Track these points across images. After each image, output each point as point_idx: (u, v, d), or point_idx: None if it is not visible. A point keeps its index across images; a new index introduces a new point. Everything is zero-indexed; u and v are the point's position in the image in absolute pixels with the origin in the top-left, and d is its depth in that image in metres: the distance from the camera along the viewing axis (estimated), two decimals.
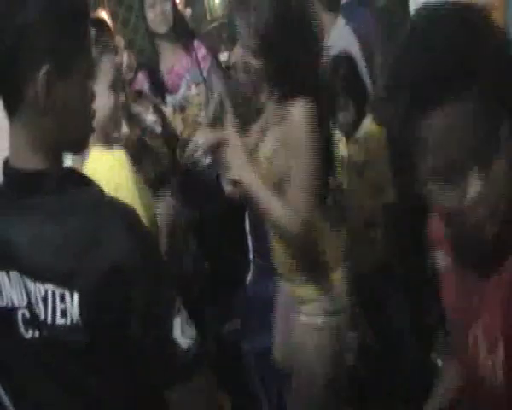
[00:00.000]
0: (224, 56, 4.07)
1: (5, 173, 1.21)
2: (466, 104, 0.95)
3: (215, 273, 2.81)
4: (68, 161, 1.73)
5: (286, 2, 1.92)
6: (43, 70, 1.10)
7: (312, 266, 2.07)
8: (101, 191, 1.20)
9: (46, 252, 1.13)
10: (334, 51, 2.68)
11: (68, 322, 1.12)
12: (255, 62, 1.97)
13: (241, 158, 1.99)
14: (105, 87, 1.98)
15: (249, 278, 2.65)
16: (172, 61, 3.35)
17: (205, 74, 3.33)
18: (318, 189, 1.95)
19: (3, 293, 1.20)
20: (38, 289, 1.14)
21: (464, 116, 0.96)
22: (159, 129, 2.92)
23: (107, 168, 1.91)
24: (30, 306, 1.16)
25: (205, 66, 3.35)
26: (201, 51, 3.39)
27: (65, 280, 1.11)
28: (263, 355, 2.36)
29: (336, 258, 2.11)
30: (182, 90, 3.31)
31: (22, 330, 1.18)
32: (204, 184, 2.98)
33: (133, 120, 2.74)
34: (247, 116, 2.84)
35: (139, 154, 2.56)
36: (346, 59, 2.83)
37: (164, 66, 3.35)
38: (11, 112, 1.16)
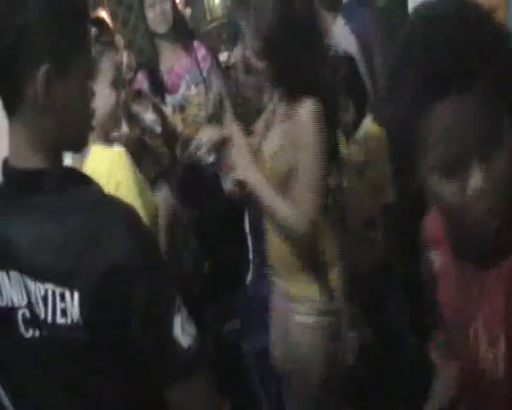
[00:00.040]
0: (223, 56, 4.07)
1: (5, 173, 1.21)
2: (467, 100, 0.96)
3: (215, 273, 2.81)
4: (68, 159, 1.73)
5: (289, 3, 1.92)
6: (43, 69, 1.10)
7: (312, 266, 2.07)
8: (100, 190, 1.20)
9: (46, 251, 1.13)
10: (333, 51, 2.68)
11: (68, 321, 1.12)
12: (259, 64, 1.97)
13: (245, 158, 1.99)
14: (106, 85, 1.98)
15: (249, 278, 2.64)
16: (172, 61, 3.35)
17: (204, 74, 3.34)
18: (325, 189, 1.95)
19: (3, 293, 1.20)
20: (38, 288, 1.14)
21: (465, 111, 0.96)
22: (158, 128, 2.92)
23: (108, 166, 1.91)
24: (30, 305, 1.16)
25: (204, 66, 3.36)
26: (201, 51, 3.39)
27: (65, 279, 1.11)
28: (262, 355, 2.36)
29: (333, 258, 2.11)
30: (181, 91, 3.32)
31: (22, 329, 1.18)
32: (204, 183, 2.98)
33: (133, 119, 2.74)
34: (246, 116, 2.84)
35: (139, 153, 2.56)
36: (346, 59, 2.83)
37: (163, 66, 3.35)
38: (11, 112, 1.16)
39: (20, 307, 1.18)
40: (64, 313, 1.12)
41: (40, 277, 1.14)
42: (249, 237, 2.59)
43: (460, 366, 1.28)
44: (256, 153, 2.05)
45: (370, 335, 2.35)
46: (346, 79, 2.74)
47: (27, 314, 1.17)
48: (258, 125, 2.17)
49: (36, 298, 1.15)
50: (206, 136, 2.08)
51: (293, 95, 1.94)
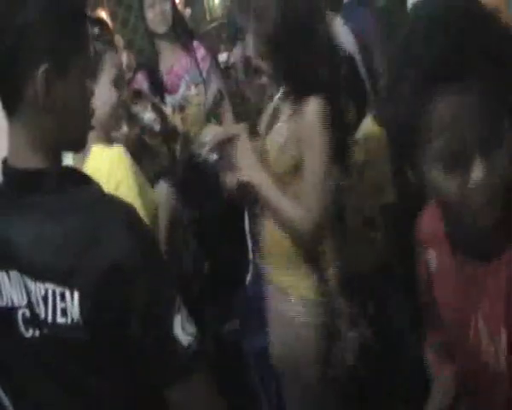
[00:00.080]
0: (223, 57, 4.08)
1: (4, 173, 1.21)
2: (469, 92, 0.97)
3: (215, 273, 2.81)
4: (69, 159, 1.73)
5: (293, 4, 1.92)
6: (42, 69, 1.10)
7: (312, 260, 2.07)
8: (100, 190, 1.20)
9: (46, 251, 1.13)
10: (341, 50, 2.68)
11: (69, 321, 1.12)
12: (263, 65, 1.97)
13: (250, 159, 2.00)
14: (107, 85, 1.98)
15: (248, 278, 2.64)
16: (172, 61, 3.35)
17: (204, 75, 3.34)
18: (331, 189, 1.95)
19: (3, 293, 1.20)
20: (39, 288, 1.14)
21: (468, 104, 0.97)
22: (157, 127, 2.92)
23: (108, 166, 1.91)
24: (30, 305, 1.16)
25: (204, 66, 3.36)
26: (201, 52, 3.39)
27: (65, 279, 1.11)
28: (262, 355, 2.36)
29: (329, 257, 2.11)
30: (181, 91, 3.32)
31: (22, 329, 1.18)
32: (204, 183, 2.98)
33: (132, 119, 2.74)
34: (245, 115, 2.85)
35: (139, 153, 2.56)
36: (345, 59, 2.83)
37: (163, 66, 3.35)
38: (10, 112, 1.17)
39: (20, 307, 1.18)
40: (64, 312, 1.12)
41: (40, 276, 1.14)
42: (248, 237, 2.59)
43: (455, 369, 1.27)
44: (260, 152, 2.05)
45: (370, 335, 2.35)
46: (346, 79, 2.74)
47: (27, 314, 1.17)
48: (261, 125, 2.17)
49: (36, 298, 1.15)
50: (210, 134, 2.08)
51: (298, 94, 1.94)
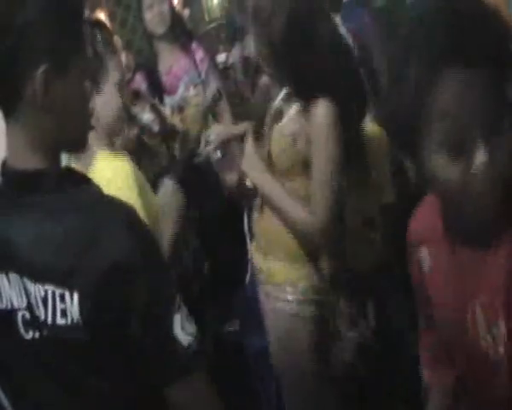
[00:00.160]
0: (222, 57, 4.08)
1: (3, 174, 1.21)
2: (472, 78, 0.98)
3: (215, 273, 2.81)
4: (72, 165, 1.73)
5: (298, 9, 1.92)
6: (42, 69, 1.09)
7: (311, 261, 2.07)
8: (100, 191, 1.20)
9: (46, 251, 1.13)
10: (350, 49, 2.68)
11: (69, 322, 1.12)
12: (267, 68, 1.98)
13: (255, 160, 2.00)
14: (112, 90, 1.98)
15: (248, 277, 2.64)
16: (171, 62, 3.35)
17: (203, 76, 3.34)
18: (340, 192, 1.96)
19: (3, 295, 1.19)
20: (38, 289, 1.14)
21: (471, 89, 0.98)
22: (156, 127, 2.93)
23: (110, 174, 1.89)
24: (30, 307, 1.16)
25: (203, 67, 3.36)
26: (199, 53, 3.39)
27: (65, 280, 1.11)
28: (262, 355, 2.36)
29: (329, 257, 2.11)
30: (180, 91, 3.32)
31: (22, 331, 1.18)
32: (204, 183, 2.98)
33: (131, 120, 2.74)
34: (244, 116, 2.85)
35: (138, 153, 2.56)
36: (353, 57, 2.83)
37: (162, 66, 3.35)
38: (8, 113, 1.16)
39: (19, 309, 1.18)
40: (64, 313, 1.12)
41: (40, 278, 1.13)
42: (248, 237, 2.59)
43: (451, 371, 1.27)
44: (264, 153, 2.05)
45: (370, 335, 2.35)
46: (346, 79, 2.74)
47: (27, 316, 1.17)
48: (266, 126, 2.17)
49: (36, 299, 1.14)
50: (214, 133, 2.08)
51: (304, 96, 1.94)
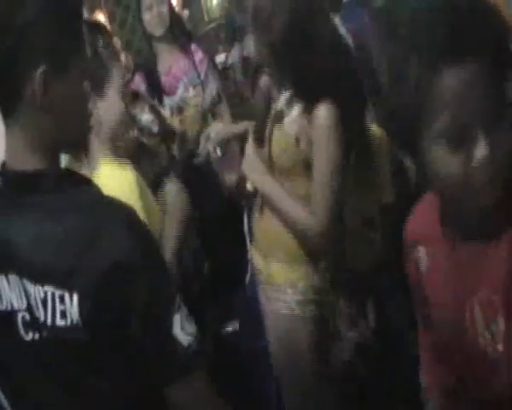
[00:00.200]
0: (221, 58, 4.08)
1: (3, 175, 1.20)
2: (473, 70, 0.98)
3: (215, 273, 2.81)
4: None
5: (298, 11, 1.92)
6: (41, 69, 1.09)
7: (311, 260, 2.07)
8: (100, 191, 1.20)
9: (46, 251, 1.13)
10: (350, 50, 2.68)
11: (68, 323, 1.12)
12: (268, 69, 1.97)
13: (258, 165, 2.01)
14: (115, 97, 1.98)
15: (248, 278, 2.64)
16: (170, 63, 3.35)
17: (202, 77, 3.34)
18: (341, 192, 1.96)
19: (3, 296, 1.19)
20: (38, 291, 1.14)
21: (472, 80, 0.99)
22: (155, 128, 2.93)
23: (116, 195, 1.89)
24: (29, 308, 1.16)
25: (202, 68, 3.36)
26: (198, 54, 3.39)
27: (64, 280, 1.11)
28: (262, 355, 2.36)
29: (328, 256, 2.11)
30: (179, 92, 3.32)
31: (22, 332, 1.18)
32: (203, 183, 2.98)
33: (131, 121, 2.74)
34: (244, 116, 2.85)
35: (137, 154, 2.56)
36: (352, 57, 2.82)
37: (161, 67, 3.35)
38: (8, 114, 1.16)
39: (19, 311, 1.18)
40: (63, 314, 1.12)
41: (39, 279, 1.13)
42: (247, 238, 2.59)
43: (454, 373, 1.27)
44: (265, 154, 2.06)
45: (370, 335, 2.35)
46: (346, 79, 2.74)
47: (27, 317, 1.17)
48: (267, 128, 2.17)
49: (35, 301, 1.15)
50: (214, 131, 2.08)
51: (306, 99, 1.94)
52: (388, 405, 2.46)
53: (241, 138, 2.27)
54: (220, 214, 3.02)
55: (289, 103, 2.03)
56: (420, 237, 1.25)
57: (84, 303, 1.10)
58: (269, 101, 2.22)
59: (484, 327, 1.11)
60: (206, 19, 5.73)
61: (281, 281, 2.09)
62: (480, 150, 1.00)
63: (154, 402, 1.19)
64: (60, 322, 1.12)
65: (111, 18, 4.96)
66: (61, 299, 1.12)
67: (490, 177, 1.01)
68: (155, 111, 2.99)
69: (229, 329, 2.95)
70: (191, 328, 1.16)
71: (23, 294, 1.16)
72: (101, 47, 1.93)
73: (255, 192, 2.12)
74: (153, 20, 3.27)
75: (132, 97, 2.99)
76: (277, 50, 1.92)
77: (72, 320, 1.11)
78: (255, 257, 2.21)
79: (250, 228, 2.50)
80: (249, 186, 2.17)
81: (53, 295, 1.12)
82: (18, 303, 1.17)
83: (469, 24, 0.99)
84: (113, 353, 1.14)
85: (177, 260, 2.26)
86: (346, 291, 2.13)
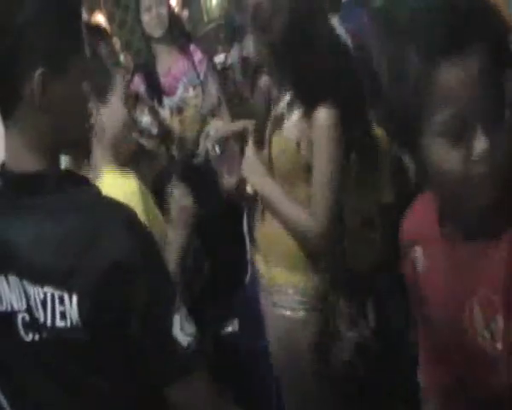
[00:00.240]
0: (220, 58, 4.08)
1: (3, 176, 1.20)
2: (472, 64, 0.98)
3: (215, 273, 2.81)
4: None
5: (298, 9, 1.92)
6: (40, 70, 1.09)
7: (312, 262, 2.07)
8: (100, 191, 1.20)
9: (46, 252, 1.13)
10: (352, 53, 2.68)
11: (68, 324, 1.12)
12: (268, 69, 1.97)
13: (258, 167, 2.01)
14: (118, 104, 1.99)
15: (247, 278, 2.64)
16: (169, 63, 3.36)
17: (202, 77, 3.34)
18: (340, 193, 1.96)
19: (3, 297, 1.19)
20: (38, 292, 1.14)
21: (471, 74, 0.99)
22: (155, 130, 2.93)
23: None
24: (29, 309, 1.16)
25: (201, 69, 3.36)
26: (197, 55, 3.40)
27: (64, 281, 1.11)
28: (262, 355, 2.36)
29: (329, 257, 2.11)
30: (179, 93, 3.32)
31: (22, 333, 1.18)
32: (203, 184, 2.98)
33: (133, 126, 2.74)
34: (243, 116, 2.84)
35: (136, 156, 2.56)
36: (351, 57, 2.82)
37: (161, 68, 3.36)
38: (7, 115, 1.16)
39: (19, 312, 1.18)
40: (63, 315, 1.12)
41: (39, 280, 1.13)
42: (247, 237, 2.59)
43: (453, 372, 1.27)
44: (265, 159, 2.06)
45: (370, 335, 2.35)
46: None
47: (27, 318, 1.17)
48: (268, 130, 2.17)
49: (35, 302, 1.15)
50: (213, 128, 2.08)
51: (307, 100, 1.94)
52: (388, 405, 2.46)
53: (241, 137, 2.27)
54: (220, 214, 3.02)
55: (290, 107, 2.03)
56: (417, 237, 1.25)
57: (83, 304, 1.10)
58: (269, 101, 2.21)
59: (483, 326, 1.10)
60: (205, 19, 5.72)
61: (281, 282, 2.09)
62: (480, 144, 1.00)
63: (154, 402, 1.19)
64: (59, 323, 1.13)
65: (110, 18, 4.96)
66: (61, 300, 1.12)
67: (489, 172, 1.01)
68: (154, 113, 2.99)
69: (229, 329, 2.95)
70: (191, 328, 1.16)
71: (23, 295, 1.16)
72: (103, 53, 1.93)
73: (255, 195, 2.12)
74: (152, 21, 3.27)
75: (133, 100, 2.99)
76: (277, 50, 1.92)
77: (71, 321, 1.12)
78: (258, 261, 2.21)
79: (250, 228, 2.50)
80: (249, 189, 2.17)
81: (52, 296, 1.12)
82: (18, 304, 1.17)
83: (468, 20, 0.99)
84: (113, 353, 1.15)
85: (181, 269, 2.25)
86: (346, 291, 2.13)
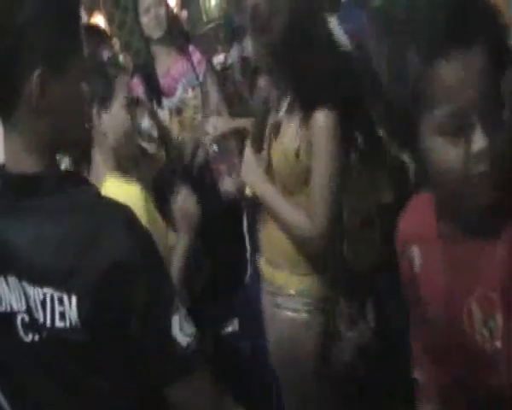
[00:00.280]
0: (220, 58, 4.08)
1: (2, 178, 1.20)
2: (471, 60, 0.99)
3: (215, 273, 2.81)
4: None
5: (298, 9, 1.92)
6: (39, 70, 1.09)
7: (313, 263, 2.07)
8: (99, 192, 1.20)
9: (45, 252, 1.13)
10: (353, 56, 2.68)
11: (67, 324, 1.12)
12: (267, 69, 1.97)
13: (256, 170, 2.01)
14: (120, 109, 1.99)
15: (247, 278, 2.64)
16: (168, 64, 3.36)
17: (201, 78, 3.34)
18: (339, 194, 1.96)
19: (2, 298, 1.20)
20: (37, 293, 1.14)
21: (470, 70, 0.99)
22: (155, 133, 2.93)
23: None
24: (29, 310, 1.16)
25: (200, 70, 3.36)
26: (196, 56, 3.40)
27: (64, 281, 1.11)
28: (261, 355, 2.36)
29: (329, 257, 2.11)
30: (178, 94, 3.32)
31: (22, 333, 1.18)
32: (203, 184, 2.98)
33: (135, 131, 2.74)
34: (243, 116, 2.84)
35: (136, 158, 2.56)
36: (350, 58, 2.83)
37: (160, 69, 3.35)
38: (5, 115, 1.16)
39: (19, 312, 1.18)
40: (63, 316, 1.12)
41: (39, 281, 1.14)
42: (247, 237, 2.59)
43: (452, 372, 1.27)
44: (265, 164, 2.06)
45: (370, 335, 2.35)
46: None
47: (26, 319, 1.17)
48: (268, 133, 2.17)
49: (35, 303, 1.15)
50: (212, 125, 2.08)
51: (306, 103, 1.94)
52: (388, 405, 2.46)
53: (239, 136, 2.27)
54: (220, 214, 3.02)
55: (289, 113, 2.03)
56: (413, 237, 1.25)
57: (83, 304, 1.11)
58: (268, 101, 2.21)
59: (482, 324, 1.11)
60: (204, 19, 5.72)
61: (282, 283, 2.09)
62: (479, 143, 1.00)
63: (154, 402, 1.19)
64: (59, 323, 1.13)
65: (110, 19, 4.96)
66: (60, 301, 1.12)
67: (489, 172, 1.01)
68: (154, 115, 3.00)
69: (229, 329, 2.95)
70: (190, 328, 1.16)
71: (22, 296, 1.16)
72: (106, 60, 1.93)
73: (254, 197, 2.12)
74: (150, 22, 3.27)
75: (134, 103, 3.00)
76: (277, 51, 1.92)
77: (70, 322, 1.12)
78: (261, 264, 2.22)
79: (249, 228, 2.50)
80: (248, 191, 2.17)
81: (52, 296, 1.12)
82: (17, 305, 1.17)
83: (468, 20, 0.99)
84: (113, 353, 1.15)
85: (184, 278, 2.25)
86: (346, 291, 2.13)
